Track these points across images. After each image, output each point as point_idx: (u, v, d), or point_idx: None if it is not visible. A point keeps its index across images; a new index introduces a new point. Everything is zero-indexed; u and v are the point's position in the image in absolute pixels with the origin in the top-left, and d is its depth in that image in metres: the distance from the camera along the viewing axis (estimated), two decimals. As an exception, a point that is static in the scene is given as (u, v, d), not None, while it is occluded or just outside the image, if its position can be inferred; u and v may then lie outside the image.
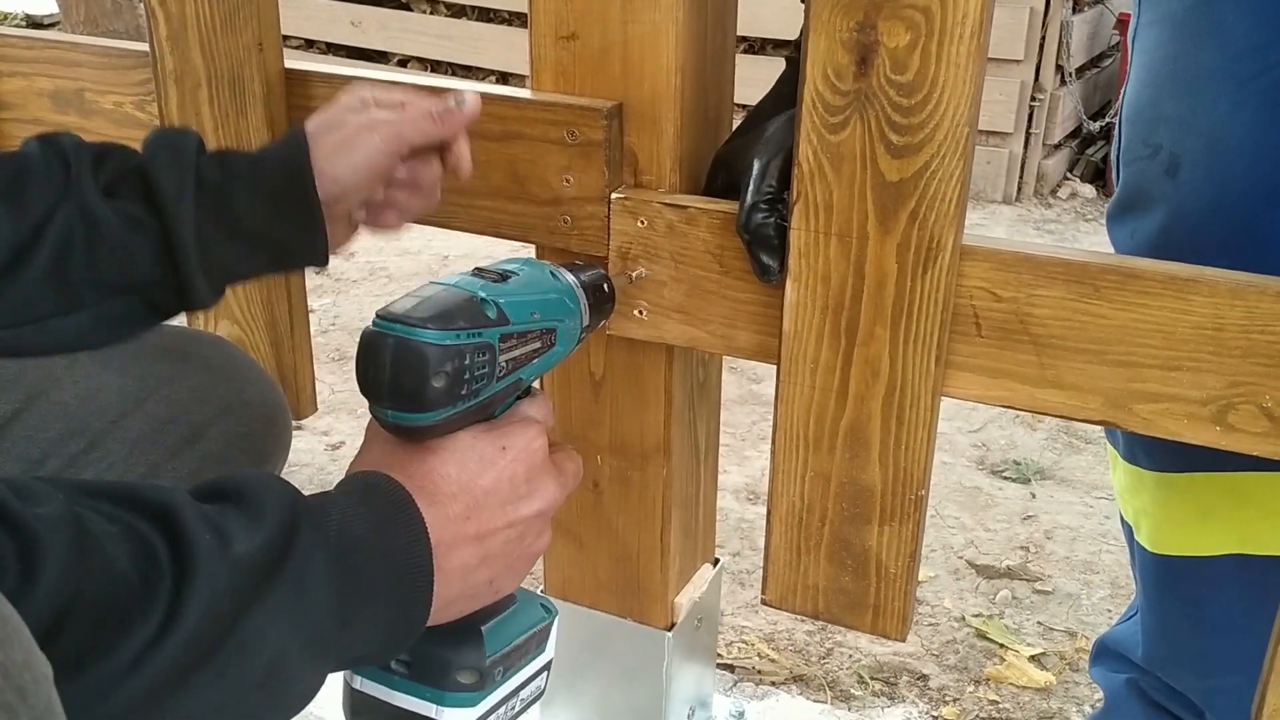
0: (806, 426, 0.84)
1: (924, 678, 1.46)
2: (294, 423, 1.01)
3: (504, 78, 4.40)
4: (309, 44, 4.57)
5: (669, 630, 1.05)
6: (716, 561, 1.15)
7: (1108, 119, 3.85)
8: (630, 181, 0.88)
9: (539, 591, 1.10)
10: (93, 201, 0.71)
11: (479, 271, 0.68)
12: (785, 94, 0.83)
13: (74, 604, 0.46)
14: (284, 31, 1.04)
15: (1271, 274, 0.73)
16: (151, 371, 0.85)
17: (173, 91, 1.02)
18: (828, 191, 0.78)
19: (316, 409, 1.13)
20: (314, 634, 0.54)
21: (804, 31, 0.76)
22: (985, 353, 0.79)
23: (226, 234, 0.74)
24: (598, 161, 0.86)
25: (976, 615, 1.58)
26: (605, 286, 0.79)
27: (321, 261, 0.79)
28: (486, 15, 4.30)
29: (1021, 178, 3.70)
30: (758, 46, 3.76)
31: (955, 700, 1.42)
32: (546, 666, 0.72)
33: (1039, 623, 1.57)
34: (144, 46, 1.04)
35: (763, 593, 0.92)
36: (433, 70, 4.41)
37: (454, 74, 4.38)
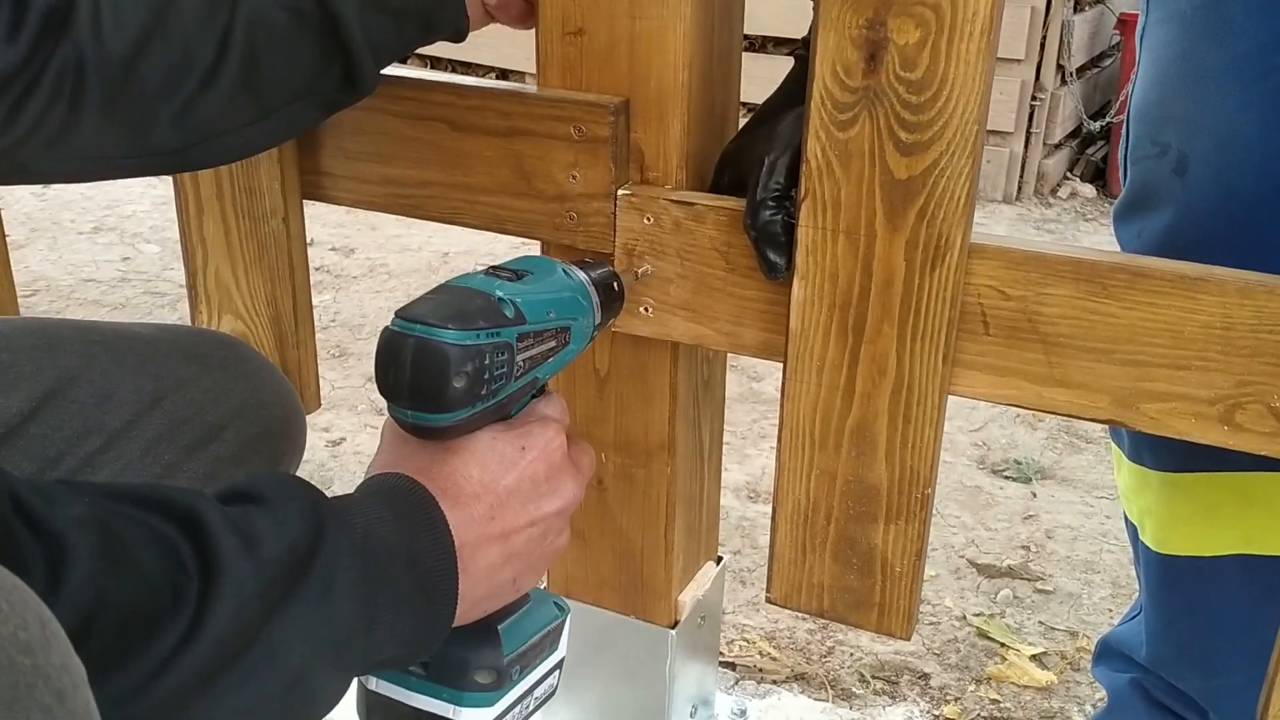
0: (813, 424, 0.84)
1: (925, 677, 1.46)
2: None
3: (503, 74, 4.40)
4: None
5: (672, 628, 1.05)
6: (719, 559, 1.14)
7: (1108, 119, 3.85)
8: (637, 178, 0.87)
9: (542, 587, 1.10)
10: (262, 3, 0.74)
11: (494, 270, 0.68)
12: (793, 91, 0.82)
13: (100, 608, 0.46)
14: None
15: (1278, 272, 0.72)
16: (167, 371, 0.85)
17: None
18: (836, 188, 0.77)
19: (320, 405, 1.12)
20: (340, 638, 0.54)
21: (813, 28, 0.75)
22: (993, 351, 0.79)
23: (377, 11, 0.78)
24: (604, 158, 0.86)
25: (978, 614, 1.58)
26: (615, 284, 0.79)
27: (461, 32, 0.83)
28: (487, 12, 4.28)
29: (1022, 177, 3.70)
30: (758, 44, 3.76)
31: (956, 699, 1.42)
32: (559, 665, 0.72)
33: (1040, 622, 1.57)
34: None
35: (767, 591, 0.92)
36: (431, 66, 4.40)
37: (453, 70, 4.37)
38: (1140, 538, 0.99)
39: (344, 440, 2.09)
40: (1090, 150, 4.05)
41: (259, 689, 0.51)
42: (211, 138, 0.76)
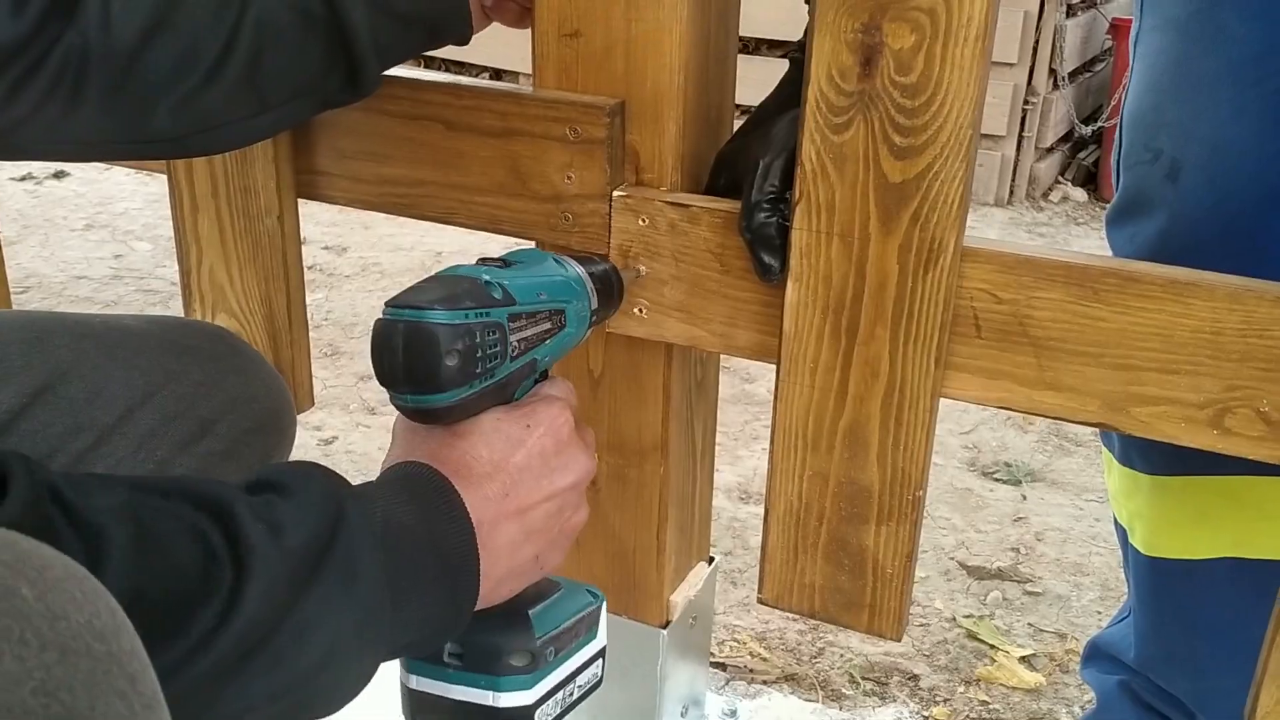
0: (805, 426, 0.85)
1: (915, 678, 1.46)
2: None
3: (497, 74, 4.40)
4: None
5: (664, 628, 1.05)
6: (711, 560, 1.15)
7: (1100, 123, 3.87)
8: (632, 179, 0.88)
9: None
10: (270, 3, 0.75)
11: (483, 260, 0.70)
12: (788, 94, 0.83)
13: (136, 596, 0.47)
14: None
15: (1271, 279, 0.73)
16: (158, 365, 0.85)
17: None
18: (830, 192, 0.78)
19: (313, 403, 1.13)
20: (366, 619, 0.55)
21: (809, 32, 0.76)
22: (985, 354, 0.79)
23: (385, 17, 0.79)
24: (600, 159, 0.86)
25: (967, 616, 1.59)
26: (611, 276, 0.80)
27: (466, 36, 0.85)
28: (481, 11, 4.28)
29: (1014, 180, 3.71)
30: (752, 46, 3.76)
31: (946, 700, 1.42)
32: (600, 654, 0.73)
33: (1029, 624, 1.58)
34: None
35: (759, 591, 0.92)
36: (425, 65, 4.40)
37: (446, 69, 4.37)
38: (1130, 541, 1.00)
39: (336, 439, 2.09)
40: (1082, 154, 4.07)
41: (288, 671, 0.52)
42: (209, 129, 0.77)
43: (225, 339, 0.94)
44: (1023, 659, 1.50)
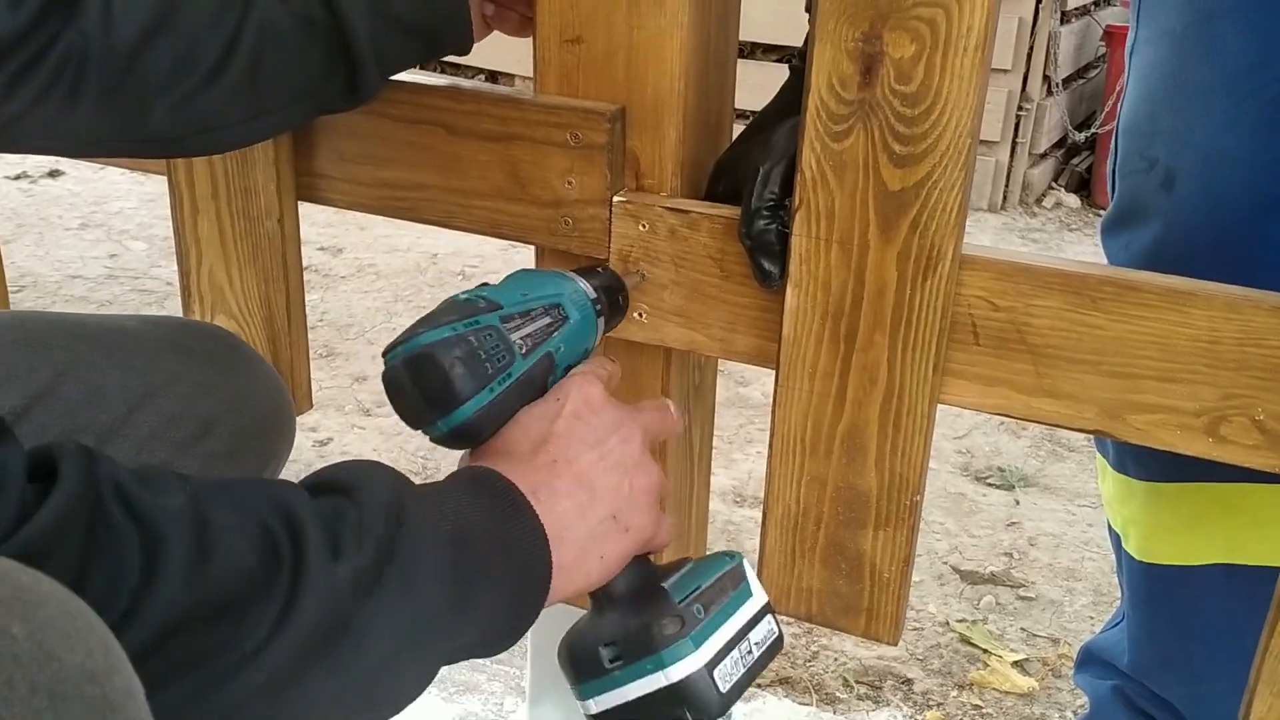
0: (804, 431, 0.85)
1: (908, 682, 1.47)
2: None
3: (492, 76, 4.40)
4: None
5: (660, 631, 1.06)
6: (707, 564, 1.15)
7: (1093, 129, 3.88)
8: (632, 185, 0.88)
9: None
10: (273, 8, 0.75)
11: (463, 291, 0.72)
12: (788, 101, 0.83)
13: (194, 597, 0.47)
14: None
15: (1264, 288, 0.74)
16: (158, 366, 0.85)
17: None
18: (830, 199, 0.78)
19: (312, 405, 1.13)
20: (427, 625, 0.55)
21: (809, 40, 0.76)
22: (982, 361, 0.80)
23: (387, 25, 0.79)
24: (600, 164, 0.86)
25: (960, 620, 1.60)
26: (610, 278, 0.82)
27: (467, 46, 0.86)
28: (477, 13, 4.28)
29: (1007, 186, 3.72)
30: (747, 50, 3.77)
31: (939, 705, 1.43)
32: (767, 610, 0.73)
33: (1022, 629, 1.59)
34: None
35: (756, 595, 0.93)
36: (421, 67, 4.39)
37: (442, 70, 4.37)
38: (1124, 546, 1.00)
39: (331, 440, 2.09)
40: (1075, 160, 4.08)
41: (347, 678, 0.52)
42: (207, 130, 0.77)
43: (224, 340, 0.94)
44: (1016, 664, 1.51)
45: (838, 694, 1.44)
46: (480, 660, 1.34)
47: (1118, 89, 3.77)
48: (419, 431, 0.66)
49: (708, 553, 0.73)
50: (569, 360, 0.72)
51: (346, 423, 2.14)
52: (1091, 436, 0.95)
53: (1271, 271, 0.78)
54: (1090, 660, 1.11)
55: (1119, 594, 1.64)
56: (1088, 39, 4.04)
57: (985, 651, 1.53)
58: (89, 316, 0.90)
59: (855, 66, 0.75)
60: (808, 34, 0.79)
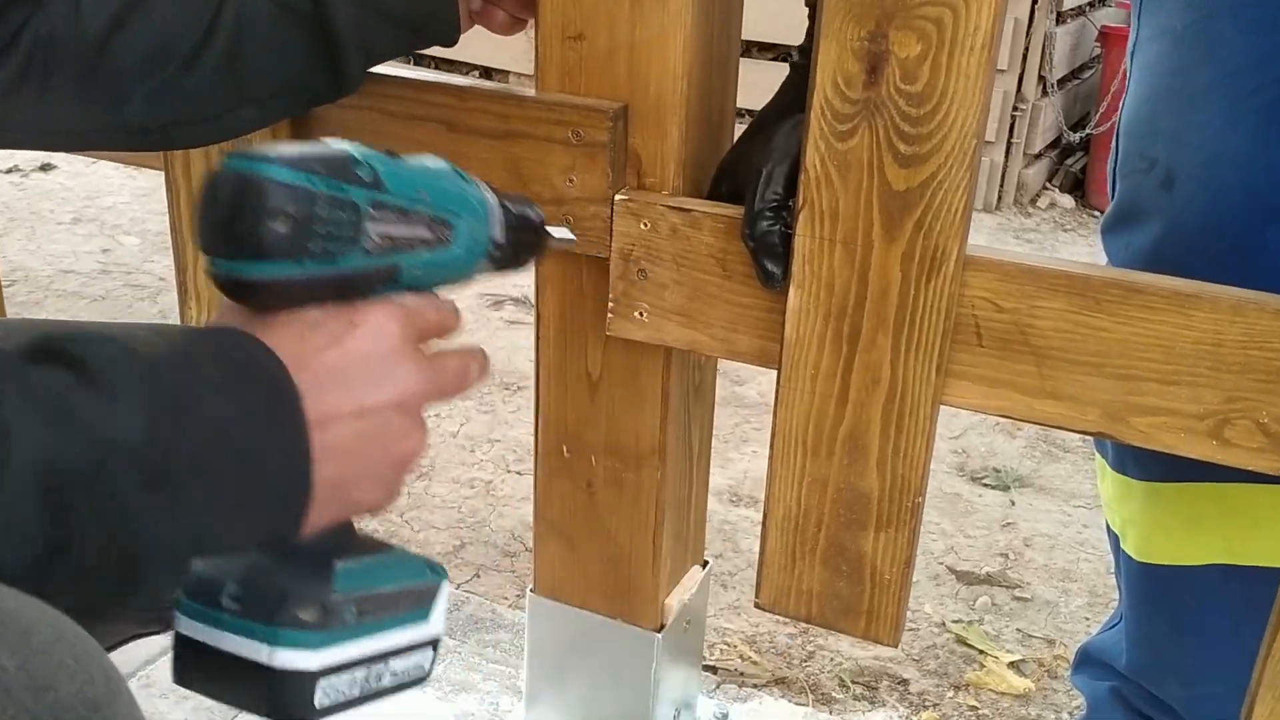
0: (805, 432, 0.85)
1: (904, 682, 1.47)
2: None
3: (487, 73, 4.39)
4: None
5: (658, 631, 1.05)
6: (705, 563, 1.15)
7: (1088, 130, 3.89)
8: (634, 183, 0.88)
9: (529, 589, 1.10)
10: None
11: (370, 144, 0.60)
12: (789, 100, 0.83)
13: None
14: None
15: (1262, 289, 0.73)
16: None
17: None
18: (834, 199, 0.78)
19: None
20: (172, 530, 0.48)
21: (814, 38, 0.76)
22: (985, 362, 0.80)
23: (372, 15, 0.78)
24: (602, 163, 0.86)
25: (956, 621, 1.59)
26: (531, 217, 0.69)
27: (453, 38, 0.85)
28: (472, 10, 4.27)
29: (1002, 186, 3.73)
30: (743, 49, 3.77)
31: (935, 705, 1.43)
32: (432, 645, 0.62)
33: (1018, 629, 1.59)
34: None
35: (756, 595, 0.92)
36: (415, 63, 4.39)
37: (436, 66, 4.36)
38: (1122, 546, 1.00)
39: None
40: (1070, 161, 4.09)
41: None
42: (190, 121, 0.76)
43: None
44: (1011, 664, 1.51)
45: (834, 694, 1.44)
46: (476, 660, 1.34)
47: (1112, 89, 3.77)
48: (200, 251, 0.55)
49: (419, 557, 0.62)
50: (415, 284, 0.60)
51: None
52: (1089, 437, 0.95)
53: (1272, 273, 0.78)
54: (1087, 661, 1.11)
55: (1115, 595, 1.64)
56: (1083, 39, 4.05)
57: (981, 652, 1.53)
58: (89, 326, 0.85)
59: (861, 65, 0.75)
60: (808, 30, 0.78)
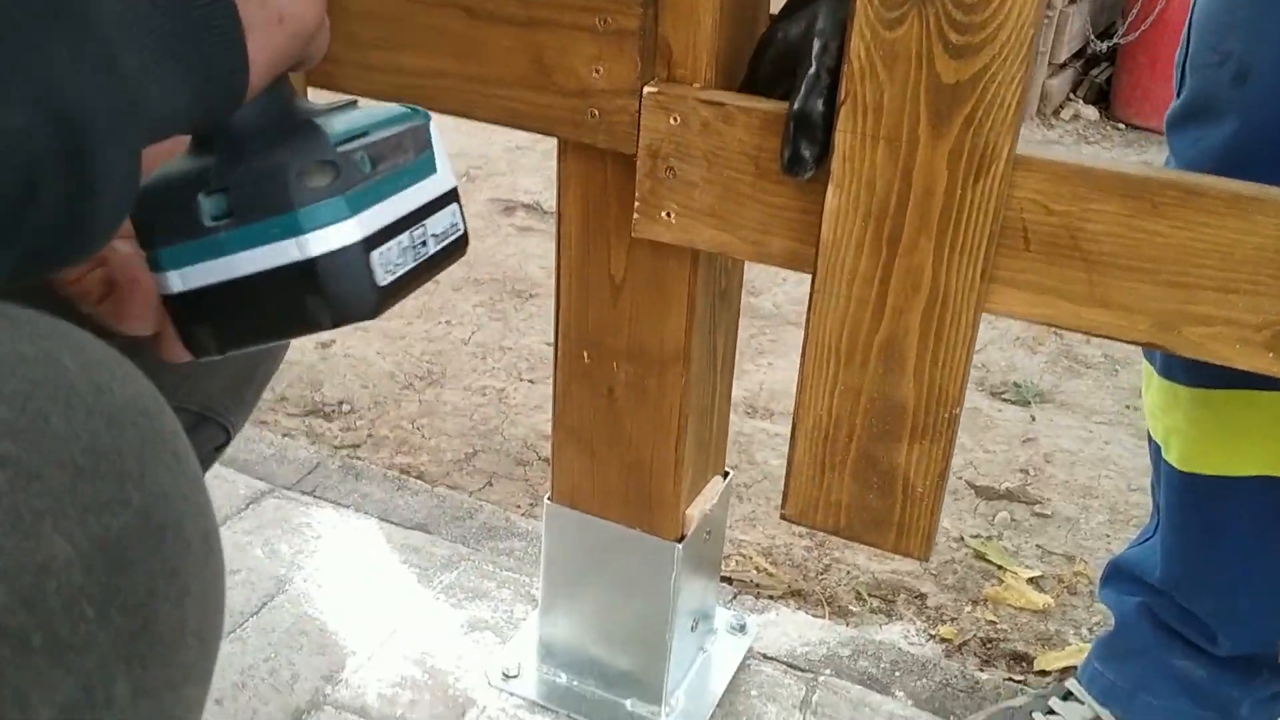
0: (839, 340, 0.81)
1: (922, 596, 1.45)
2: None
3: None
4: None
5: (679, 542, 1.03)
6: (726, 474, 1.12)
7: (1115, 40, 3.78)
8: (663, 75, 0.83)
9: (546, 498, 1.08)
10: None
11: None
12: None
13: None
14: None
15: None
16: None
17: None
18: (878, 92, 0.73)
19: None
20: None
21: (862, -84, 0.70)
22: (1032, 268, 0.76)
23: None
24: (630, 52, 0.81)
25: (975, 536, 1.58)
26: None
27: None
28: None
29: (1026, 97, 3.64)
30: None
31: (953, 620, 1.42)
32: (451, 198, 0.56)
33: (1037, 545, 1.57)
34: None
35: (782, 507, 0.90)
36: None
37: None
38: (1164, 456, 0.98)
39: (334, 342, 2.06)
40: (1095, 72, 3.98)
41: None
42: None
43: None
44: (1030, 580, 1.49)
45: (850, 607, 1.43)
46: (490, 568, 1.32)
47: (1142, -2, 3.66)
48: None
49: (391, 105, 0.54)
50: None
51: (350, 326, 2.10)
52: (1108, 354, 0.91)
53: None
54: (1117, 575, 1.09)
55: (1136, 513, 1.62)
56: (1114, -56, 3.92)
57: (1000, 568, 1.52)
58: None
59: (912, -54, 0.69)
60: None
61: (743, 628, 1.26)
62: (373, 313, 0.48)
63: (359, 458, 1.65)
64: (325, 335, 2.09)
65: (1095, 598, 1.46)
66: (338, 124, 0.49)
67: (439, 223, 0.54)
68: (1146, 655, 1.05)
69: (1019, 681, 1.31)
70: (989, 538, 1.58)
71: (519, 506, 1.58)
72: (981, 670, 1.32)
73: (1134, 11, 3.62)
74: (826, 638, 1.29)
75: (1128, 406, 1.94)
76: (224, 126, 0.47)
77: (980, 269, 0.76)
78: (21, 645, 0.34)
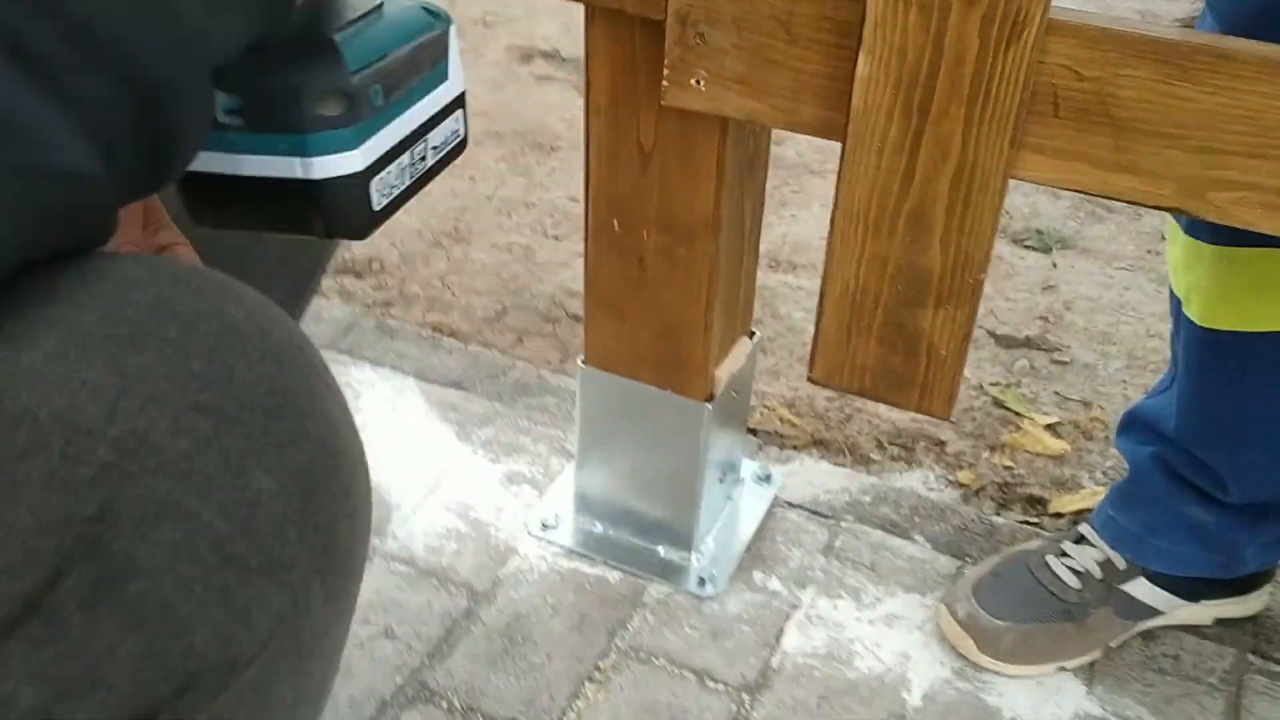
0: (868, 208, 0.83)
1: (941, 444, 1.50)
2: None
3: None
4: None
5: (708, 401, 1.07)
6: (752, 334, 1.15)
7: None
8: (691, -60, 0.82)
9: (579, 360, 1.11)
10: None
11: None
12: None
13: None
14: None
15: None
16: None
17: None
18: (910, -42, 0.73)
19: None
20: None
21: None
22: (1060, 134, 0.76)
23: None
24: (657, -83, 0.80)
25: (994, 384, 1.61)
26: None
27: None
28: None
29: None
30: None
31: (971, 465, 1.46)
32: (459, 103, 0.55)
33: (1055, 392, 1.60)
34: None
35: (810, 370, 0.93)
36: None
37: None
38: (1184, 311, 1.00)
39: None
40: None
41: None
42: None
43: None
44: (1048, 427, 1.53)
45: (871, 455, 1.47)
46: (525, 423, 1.37)
47: None
48: None
49: (414, 6, 0.53)
50: None
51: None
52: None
53: None
54: (1133, 424, 1.12)
55: (1154, 358, 1.65)
56: None
57: (1018, 415, 1.55)
58: None
59: None
60: None
61: (768, 478, 1.31)
62: (363, 235, 0.51)
63: (393, 316, 1.68)
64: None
65: (1110, 443, 1.50)
66: (358, 45, 0.49)
67: (441, 133, 0.55)
68: (1158, 502, 1.09)
69: (1034, 524, 1.36)
70: (1008, 385, 1.61)
71: (549, 362, 1.61)
72: (998, 514, 1.37)
73: None
74: (848, 485, 1.34)
75: (1149, 251, 1.94)
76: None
77: (1010, 136, 0.76)
78: (245, 568, 0.40)
